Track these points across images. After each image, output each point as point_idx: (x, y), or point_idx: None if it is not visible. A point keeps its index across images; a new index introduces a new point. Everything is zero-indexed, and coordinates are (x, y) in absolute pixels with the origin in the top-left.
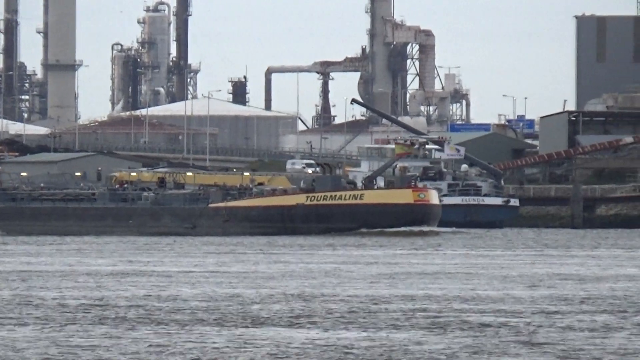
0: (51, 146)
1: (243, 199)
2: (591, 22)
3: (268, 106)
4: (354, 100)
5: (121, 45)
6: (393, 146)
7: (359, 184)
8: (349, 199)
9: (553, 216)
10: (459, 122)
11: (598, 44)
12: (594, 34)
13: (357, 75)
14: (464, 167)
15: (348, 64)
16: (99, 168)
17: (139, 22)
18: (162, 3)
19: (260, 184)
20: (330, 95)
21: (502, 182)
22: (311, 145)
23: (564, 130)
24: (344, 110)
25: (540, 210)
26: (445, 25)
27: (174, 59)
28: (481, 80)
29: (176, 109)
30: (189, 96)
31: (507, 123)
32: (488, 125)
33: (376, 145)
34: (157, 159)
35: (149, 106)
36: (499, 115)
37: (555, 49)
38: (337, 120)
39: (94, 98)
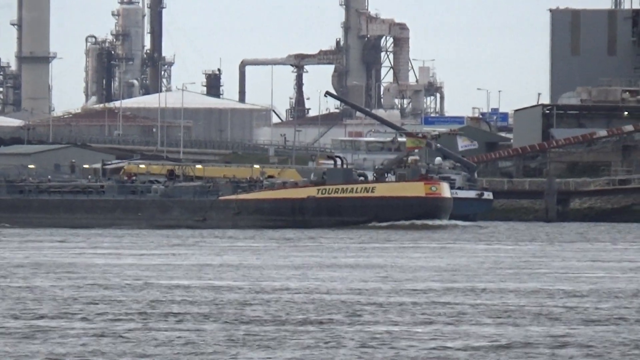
0: (25, 138)
1: (254, 192)
2: (565, 16)
3: (242, 99)
4: (328, 93)
5: (95, 38)
6: (367, 139)
7: (370, 177)
8: (360, 191)
9: (527, 209)
10: (433, 115)
11: (572, 38)
12: (568, 27)
13: (332, 68)
14: (438, 160)
15: (322, 57)
16: (73, 160)
17: (113, 15)
18: None
19: (271, 176)
20: (304, 88)
21: (476, 175)
22: (285, 138)
23: (538, 124)
24: (318, 103)
25: (514, 204)
26: (420, 18)
27: (148, 51)
28: (455, 74)
29: (150, 101)
30: (163, 88)
31: (481, 116)
32: (462, 118)
33: (350, 138)
34: (131, 152)
35: (123, 98)
36: (473, 108)
37: (530, 42)
38: (311, 113)
39: (68, 90)
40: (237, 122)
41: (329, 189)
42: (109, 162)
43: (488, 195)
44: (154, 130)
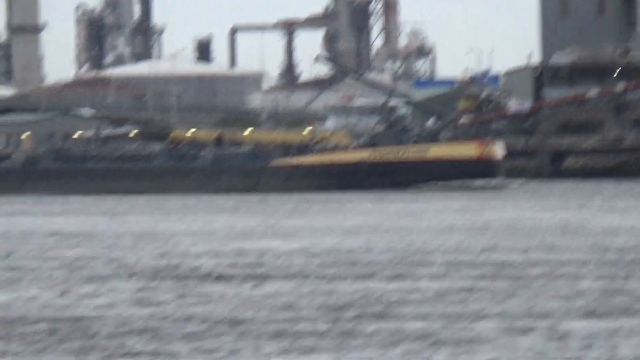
0: (17, 108)
1: (305, 156)
2: None
3: (233, 65)
4: (319, 58)
5: (85, 6)
6: (358, 102)
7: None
8: (413, 153)
9: (521, 169)
10: (424, 78)
11: None
12: None
13: (322, 32)
14: (430, 122)
15: (312, 22)
16: (66, 129)
17: None
18: None
19: (321, 140)
20: (295, 53)
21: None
22: (277, 103)
23: (529, 84)
24: (309, 67)
25: (508, 164)
26: None
27: (139, 19)
28: (446, 35)
29: (141, 69)
30: (154, 56)
31: (472, 78)
32: (453, 80)
33: (342, 102)
34: (123, 119)
35: (114, 67)
36: (464, 70)
37: (520, 2)
38: (302, 78)
39: (59, 60)
40: (228, 88)
41: (382, 152)
42: (103, 130)
43: None
44: (145, 97)
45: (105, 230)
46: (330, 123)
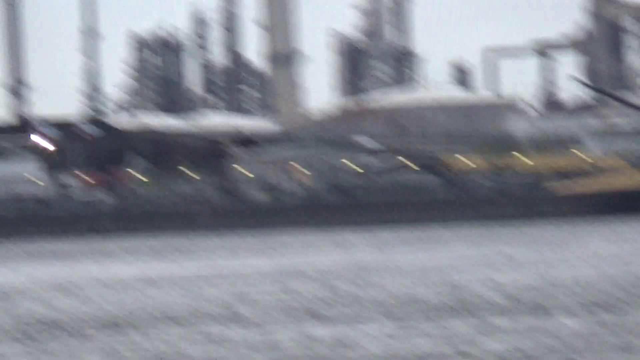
0: (283, 141)
1: (583, 180)
2: None
3: (490, 90)
4: (575, 79)
5: (337, 32)
6: (620, 125)
7: None
8: None
9: None
10: None
11: None
12: None
13: (577, 55)
14: None
15: (567, 45)
16: (336, 161)
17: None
18: None
19: (596, 164)
20: (551, 76)
21: None
22: (537, 128)
23: None
24: (569, 91)
25: None
26: None
27: (398, 48)
28: None
29: (400, 97)
30: (412, 83)
31: None
32: None
33: (602, 125)
34: (389, 150)
35: (372, 94)
36: None
37: None
38: (560, 102)
39: (318, 88)
40: (487, 115)
41: None
42: (372, 160)
43: None
44: (407, 126)
45: (382, 264)
46: (592, 147)
